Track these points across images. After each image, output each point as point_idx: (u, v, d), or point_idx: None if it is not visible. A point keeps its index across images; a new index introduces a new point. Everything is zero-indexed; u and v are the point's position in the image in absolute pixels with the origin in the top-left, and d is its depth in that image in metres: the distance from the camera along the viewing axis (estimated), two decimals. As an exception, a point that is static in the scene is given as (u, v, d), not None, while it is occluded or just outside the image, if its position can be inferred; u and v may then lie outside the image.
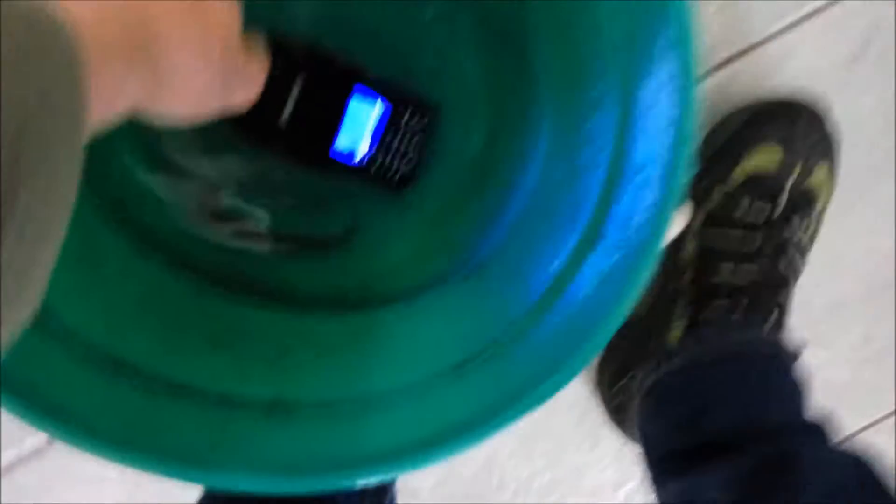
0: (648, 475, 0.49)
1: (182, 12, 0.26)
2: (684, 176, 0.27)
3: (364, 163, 0.41)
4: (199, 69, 0.27)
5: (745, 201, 0.50)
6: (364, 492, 0.48)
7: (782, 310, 0.50)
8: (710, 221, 0.51)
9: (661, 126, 0.29)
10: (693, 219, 0.51)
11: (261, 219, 0.46)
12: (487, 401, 0.32)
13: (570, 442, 0.63)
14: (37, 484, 0.59)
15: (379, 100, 0.41)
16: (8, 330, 0.17)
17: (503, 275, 0.38)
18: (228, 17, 0.29)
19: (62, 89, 0.18)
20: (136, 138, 0.41)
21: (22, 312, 0.17)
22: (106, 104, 0.22)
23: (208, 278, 0.41)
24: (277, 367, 0.37)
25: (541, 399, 0.31)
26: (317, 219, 0.47)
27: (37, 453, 0.59)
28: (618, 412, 0.58)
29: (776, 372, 0.47)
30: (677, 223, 0.28)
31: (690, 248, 0.52)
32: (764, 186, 0.51)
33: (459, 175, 0.44)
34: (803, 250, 0.53)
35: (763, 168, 0.51)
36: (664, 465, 0.47)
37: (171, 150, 0.43)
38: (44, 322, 0.32)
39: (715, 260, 0.50)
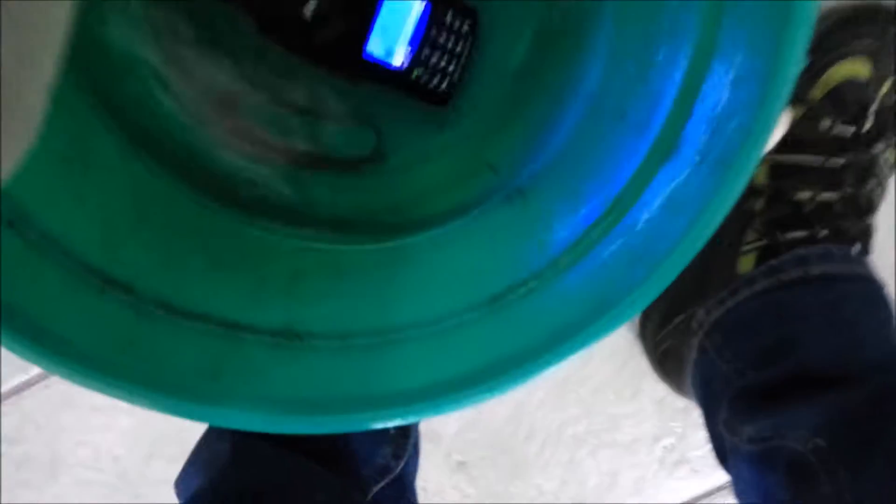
0: (722, 416, 0.43)
1: None
2: (795, 67, 0.22)
3: (403, 68, 0.37)
4: None
5: (826, 121, 0.44)
6: (385, 434, 0.44)
7: (865, 242, 0.44)
8: (785, 142, 0.45)
9: (765, 3, 0.23)
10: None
11: (281, 130, 0.41)
12: (526, 340, 0.28)
13: (606, 391, 0.59)
14: (44, 410, 0.57)
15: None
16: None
17: (552, 196, 0.33)
18: None
19: None
20: (148, 32, 0.37)
21: (20, 133, 0.16)
22: None
23: (215, 192, 0.36)
24: (289, 292, 0.33)
25: (588, 340, 0.26)
26: (343, 136, 0.42)
27: (44, 378, 0.57)
28: (664, 359, 0.53)
29: (871, 297, 0.41)
30: (777, 132, 0.23)
31: (762, 170, 0.46)
32: (848, 104, 0.45)
33: (502, 86, 0.39)
34: (886, 177, 0.47)
35: (848, 82, 0.45)
36: (740, 405, 0.41)
37: (186, 48, 0.38)
38: (23, 231, 0.28)
39: (791, 186, 0.44)
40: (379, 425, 0.26)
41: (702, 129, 0.26)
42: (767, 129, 0.23)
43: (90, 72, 0.34)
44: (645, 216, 0.28)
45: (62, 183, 0.30)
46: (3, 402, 0.57)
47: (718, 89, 0.26)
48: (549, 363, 0.26)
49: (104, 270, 0.29)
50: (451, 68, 0.38)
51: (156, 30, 0.37)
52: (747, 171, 0.24)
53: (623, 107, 0.31)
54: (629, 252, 0.27)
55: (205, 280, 0.32)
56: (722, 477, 0.61)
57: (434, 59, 0.37)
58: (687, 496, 0.62)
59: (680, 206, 0.26)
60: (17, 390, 0.57)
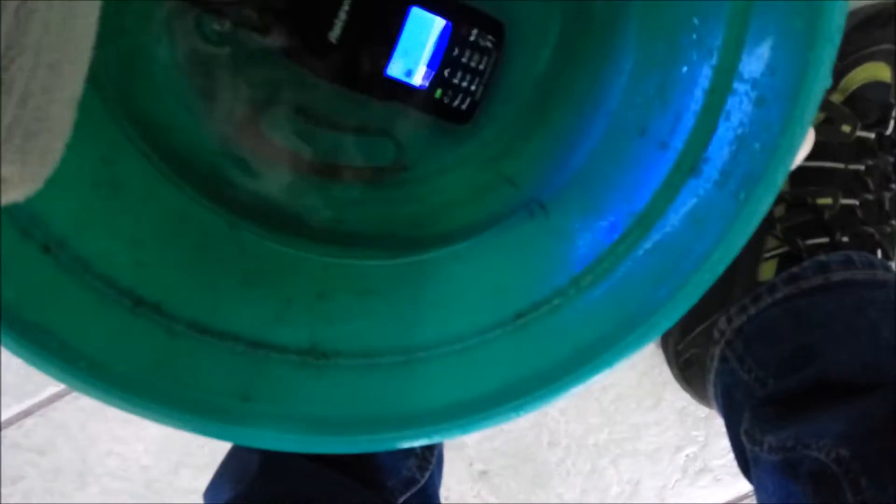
0: (744, 426, 0.42)
1: None
2: (818, 92, 0.22)
3: (425, 87, 0.37)
4: None
5: (847, 125, 0.44)
6: (410, 448, 0.44)
7: (888, 248, 0.44)
8: None
9: (789, 20, 0.23)
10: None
11: (302, 145, 0.42)
12: (551, 358, 0.28)
13: (628, 401, 0.59)
14: (74, 421, 0.58)
15: (438, 17, 0.36)
16: (26, 180, 0.15)
17: (574, 212, 0.33)
18: None
19: None
20: (172, 49, 0.37)
21: (44, 157, 0.16)
22: None
23: (242, 212, 0.37)
24: (315, 311, 0.34)
25: (613, 359, 0.26)
26: (362, 148, 0.43)
27: (73, 390, 0.58)
28: (686, 368, 0.53)
29: (893, 303, 0.40)
30: (802, 150, 0.23)
31: None
32: (869, 107, 0.44)
33: (524, 98, 0.39)
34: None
35: (868, 86, 0.44)
36: (761, 414, 0.41)
37: (211, 64, 0.39)
38: (55, 252, 0.28)
39: (812, 192, 0.44)
40: (405, 445, 0.27)
41: (725, 147, 0.26)
42: (792, 150, 0.23)
43: (119, 92, 0.34)
44: (669, 234, 0.28)
45: (93, 206, 0.31)
46: (34, 414, 0.58)
47: (742, 108, 0.26)
48: (574, 382, 0.27)
49: (135, 291, 0.30)
50: (472, 87, 0.38)
51: (182, 47, 0.38)
52: (773, 190, 0.24)
53: (644, 123, 0.31)
54: (654, 270, 0.27)
55: (234, 300, 0.33)
56: (745, 486, 0.61)
57: (456, 79, 0.37)
58: (710, 505, 0.62)
59: (704, 224, 0.26)
60: (48, 402, 0.58)
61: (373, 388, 0.29)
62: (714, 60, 0.27)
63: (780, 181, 0.24)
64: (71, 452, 0.59)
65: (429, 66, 0.37)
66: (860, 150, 0.45)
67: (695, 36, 0.29)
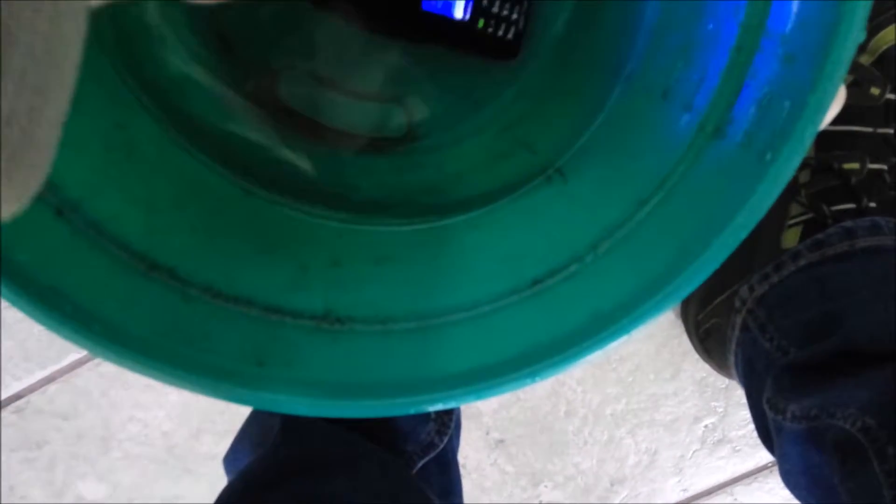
0: (766, 394, 0.42)
1: None
2: (850, 47, 0.21)
3: (466, 19, 0.36)
4: None
5: (876, 88, 0.42)
6: (429, 413, 0.44)
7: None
8: None
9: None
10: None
11: (318, 110, 0.41)
12: (568, 325, 0.27)
13: (646, 371, 0.59)
14: (96, 387, 0.59)
15: None
16: (12, 199, 0.16)
17: (593, 177, 0.32)
18: None
19: None
20: (185, 13, 0.37)
21: (30, 176, 0.16)
22: None
23: (256, 178, 0.37)
24: (329, 277, 0.33)
25: (630, 326, 0.26)
26: (378, 115, 0.42)
27: (94, 356, 0.58)
28: (706, 339, 0.52)
29: None
30: (832, 109, 0.22)
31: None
32: None
33: (543, 61, 0.38)
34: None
35: None
36: (784, 382, 0.40)
37: (223, 26, 0.38)
38: (71, 219, 0.28)
39: (839, 157, 0.43)
40: (420, 410, 0.26)
41: (751, 107, 0.25)
42: (822, 109, 0.22)
43: (132, 57, 0.34)
44: (691, 198, 0.27)
45: (107, 171, 0.30)
46: (57, 380, 0.59)
47: (770, 66, 0.25)
48: (591, 348, 0.26)
49: (149, 255, 0.30)
50: (514, 15, 0.36)
51: (197, 8, 0.37)
52: (801, 150, 0.23)
53: (666, 84, 0.30)
54: (674, 235, 0.27)
55: (248, 265, 0.32)
56: (764, 457, 0.60)
57: (496, 7, 0.36)
58: (728, 475, 0.61)
59: (728, 187, 0.25)
60: (71, 368, 0.59)
61: (387, 353, 0.29)
62: (741, 16, 0.26)
63: (808, 140, 0.23)
64: (94, 418, 0.60)
65: None
66: (889, 113, 0.43)
67: (721, -10, 0.28)
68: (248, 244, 0.33)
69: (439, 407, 0.27)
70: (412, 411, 0.26)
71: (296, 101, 0.41)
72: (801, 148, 0.23)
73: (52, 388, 0.59)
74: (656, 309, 0.25)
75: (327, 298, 0.32)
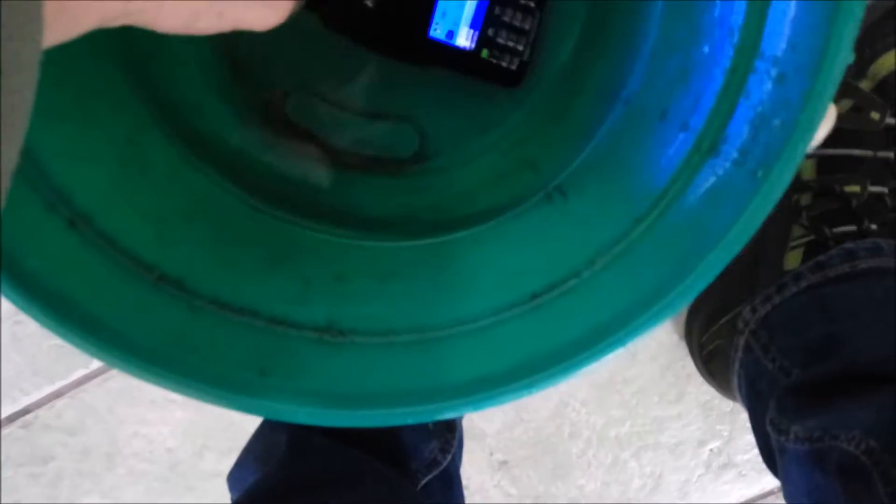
0: (769, 415, 0.42)
1: None
2: (839, 67, 0.22)
3: (471, 49, 0.37)
4: None
5: (876, 113, 0.43)
6: (432, 431, 0.45)
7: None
8: (833, 135, 0.44)
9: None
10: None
11: (328, 131, 0.42)
12: (564, 337, 0.28)
13: (651, 393, 0.59)
14: (103, 403, 0.60)
15: None
16: None
17: (592, 195, 0.33)
18: None
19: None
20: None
21: None
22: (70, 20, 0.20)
23: (264, 196, 0.38)
24: (334, 291, 0.34)
25: (625, 339, 0.26)
26: (387, 137, 0.43)
27: (103, 372, 0.59)
28: (710, 360, 0.53)
29: None
30: (822, 128, 0.22)
31: (809, 165, 0.45)
32: None
33: (550, 84, 0.39)
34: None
35: None
36: (787, 403, 0.40)
37: (235, 46, 0.40)
38: (81, 227, 0.29)
39: (840, 180, 0.43)
40: (418, 421, 0.27)
41: (744, 126, 0.26)
42: (812, 127, 0.23)
43: (145, 75, 0.35)
44: (687, 214, 0.28)
45: (119, 184, 0.31)
46: (64, 396, 0.60)
47: (762, 86, 0.25)
48: (586, 361, 0.27)
49: (158, 267, 0.30)
50: (519, 47, 0.37)
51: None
52: (791, 167, 0.23)
53: (664, 105, 0.31)
54: (670, 250, 0.27)
55: (254, 277, 0.33)
56: (770, 482, 0.60)
57: (501, 38, 0.37)
58: (734, 500, 0.61)
59: (722, 203, 0.26)
60: (78, 383, 0.59)
61: (387, 365, 0.30)
62: (735, 39, 0.27)
63: (799, 158, 0.23)
64: (100, 434, 0.61)
65: (471, 26, 0.36)
66: (889, 137, 0.44)
67: (717, 14, 0.29)
68: (255, 258, 0.34)
69: (437, 417, 0.27)
70: (410, 421, 0.27)
71: (306, 120, 0.42)
72: (791, 165, 0.23)
73: (59, 403, 0.60)
74: (651, 322, 0.25)
75: (330, 312, 0.32)
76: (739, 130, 0.26)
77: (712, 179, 0.27)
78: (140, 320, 0.28)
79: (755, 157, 0.24)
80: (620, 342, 0.26)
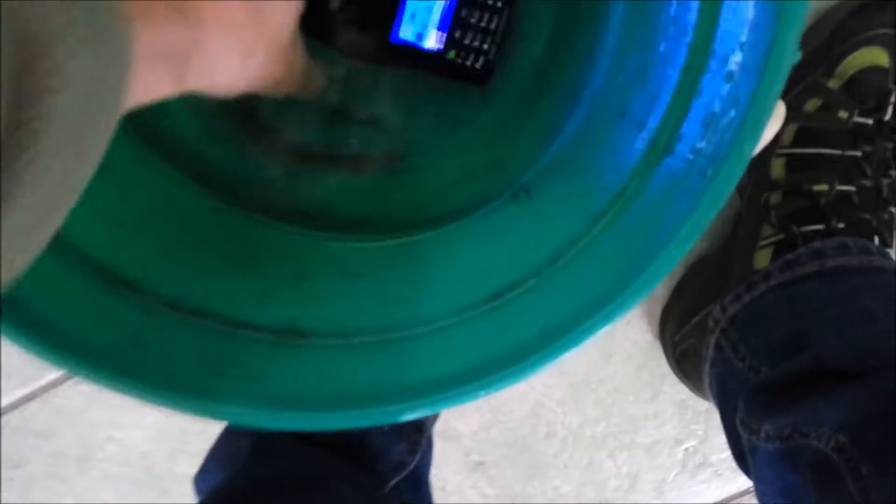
0: (739, 414, 0.42)
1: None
2: (785, 67, 0.21)
3: (438, 51, 0.37)
4: (236, 68, 0.26)
5: (845, 111, 0.43)
6: (399, 430, 0.44)
7: (886, 234, 0.43)
8: (802, 134, 0.44)
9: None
10: (781, 131, 0.44)
11: (297, 130, 0.42)
12: (520, 338, 0.28)
13: (626, 393, 0.58)
14: (75, 406, 0.59)
15: None
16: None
17: (555, 194, 0.33)
18: (284, 18, 0.27)
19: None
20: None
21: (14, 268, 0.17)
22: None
23: (226, 194, 0.37)
24: (295, 292, 0.34)
25: (580, 338, 0.26)
26: (358, 137, 0.43)
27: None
28: (683, 360, 0.53)
29: (890, 289, 0.39)
30: (771, 126, 0.22)
31: (778, 164, 0.45)
32: (867, 93, 0.43)
33: (521, 83, 0.39)
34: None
35: (866, 71, 0.44)
36: (756, 402, 0.41)
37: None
38: (34, 229, 0.29)
39: (808, 179, 0.43)
40: (372, 424, 0.27)
41: (697, 125, 0.26)
42: (759, 126, 0.23)
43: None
44: (643, 214, 0.28)
45: (73, 185, 0.31)
46: (36, 399, 0.59)
47: (714, 85, 0.25)
48: (542, 360, 0.26)
49: (112, 269, 0.30)
50: (485, 45, 0.37)
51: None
52: (740, 166, 0.23)
53: (623, 104, 0.31)
54: (626, 249, 0.27)
55: (213, 279, 0.33)
56: (745, 482, 0.60)
57: (468, 40, 0.37)
58: (710, 500, 0.61)
59: (676, 203, 0.26)
60: (51, 386, 0.59)
61: (345, 367, 0.29)
62: (689, 38, 0.27)
63: (747, 157, 0.23)
64: (72, 437, 0.60)
65: (439, 28, 0.36)
66: (857, 136, 0.44)
67: (672, 13, 0.28)
68: (216, 258, 0.34)
69: (392, 420, 0.27)
70: (363, 424, 0.27)
71: (276, 119, 0.42)
72: (740, 164, 0.23)
73: (31, 406, 0.59)
74: (603, 321, 0.25)
75: (292, 312, 0.32)
76: (692, 130, 0.26)
77: (667, 179, 0.27)
78: (94, 323, 0.28)
79: (705, 156, 0.24)
80: (573, 343, 0.26)
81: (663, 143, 0.27)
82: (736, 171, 0.23)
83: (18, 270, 0.17)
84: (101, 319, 0.28)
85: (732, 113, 0.24)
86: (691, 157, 0.26)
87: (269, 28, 0.27)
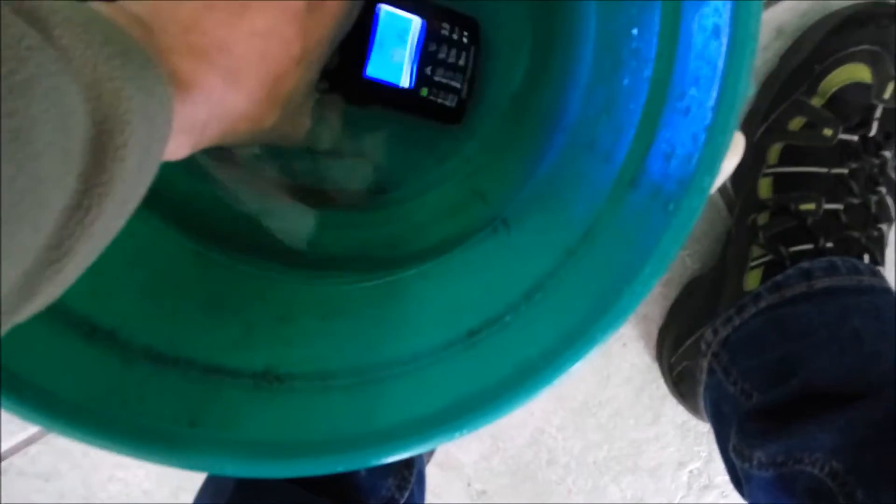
0: (732, 441, 0.41)
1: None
2: (739, 97, 0.21)
3: (410, 87, 0.37)
4: (246, 135, 0.29)
5: (829, 129, 0.42)
6: (389, 468, 0.44)
7: (875, 252, 0.42)
8: (787, 154, 0.44)
9: (708, 33, 0.22)
10: (767, 151, 0.43)
11: (282, 168, 0.42)
12: (496, 375, 0.27)
13: (626, 416, 0.58)
14: (77, 448, 0.59)
15: (410, 15, 0.36)
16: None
17: (532, 227, 0.33)
18: (298, 88, 0.30)
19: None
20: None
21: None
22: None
23: (209, 238, 0.37)
24: (276, 334, 0.34)
25: (553, 375, 0.26)
26: (343, 172, 0.43)
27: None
28: (680, 382, 0.52)
29: (879, 309, 0.39)
30: (730, 160, 0.22)
31: (766, 184, 0.45)
32: (851, 109, 0.43)
33: (501, 114, 0.39)
34: (896, 186, 0.45)
35: (849, 87, 0.43)
36: (748, 428, 0.40)
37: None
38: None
39: (795, 198, 0.43)
40: (349, 468, 0.27)
41: (660, 159, 0.26)
42: (716, 161, 0.23)
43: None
44: (611, 248, 0.28)
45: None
46: (38, 441, 0.59)
47: (674, 119, 0.25)
48: (515, 399, 0.26)
49: (90, 319, 0.30)
50: (457, 83, 0.37)
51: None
52: (700, 200, 0.23)
53: (593, 136, 0.31)
54: (595, 284, 0.27)
55: (193, 325, 0.33)
56: (753, 502, 0.59)
57: (438, 76, 0.37)
58: (717, 522, 0.60)
59: (641, 237, 0.26)
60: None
61: (322, 411, 0.29)
62: (649, 72, 0.27)
63: (707, 190, 0.23)
64: (75, 479, 0.60)
65: (411, 64, 0.36)
66: (843, 153, 0.44)
67: (634, 46, 0.29)
68: (195, 304, 0.34)
69: (368, 464, 0.27)
70: (341, 469, 0.26)
71: (261, 160, 0.42)
72: (700, 198, 0.23)
73: (33, 449, 0.59)
74: (574, 357, 0.25)
75: (270, 356, 0.32)
76: (656, 164, 0.26)
77: (633, 213, 0.27)
78: (68, 376, 0.28)
79: (667, 191, 0.24)
80: (547, 380, 0.26)
81: (629, 177, 0.27)
82: (696, 206, 0.23)
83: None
84: (79, 372, 0.28)
85: (691, 147, 0.23)
86: (655, 191, 0.25)
87: (283, 98, 0.29)
